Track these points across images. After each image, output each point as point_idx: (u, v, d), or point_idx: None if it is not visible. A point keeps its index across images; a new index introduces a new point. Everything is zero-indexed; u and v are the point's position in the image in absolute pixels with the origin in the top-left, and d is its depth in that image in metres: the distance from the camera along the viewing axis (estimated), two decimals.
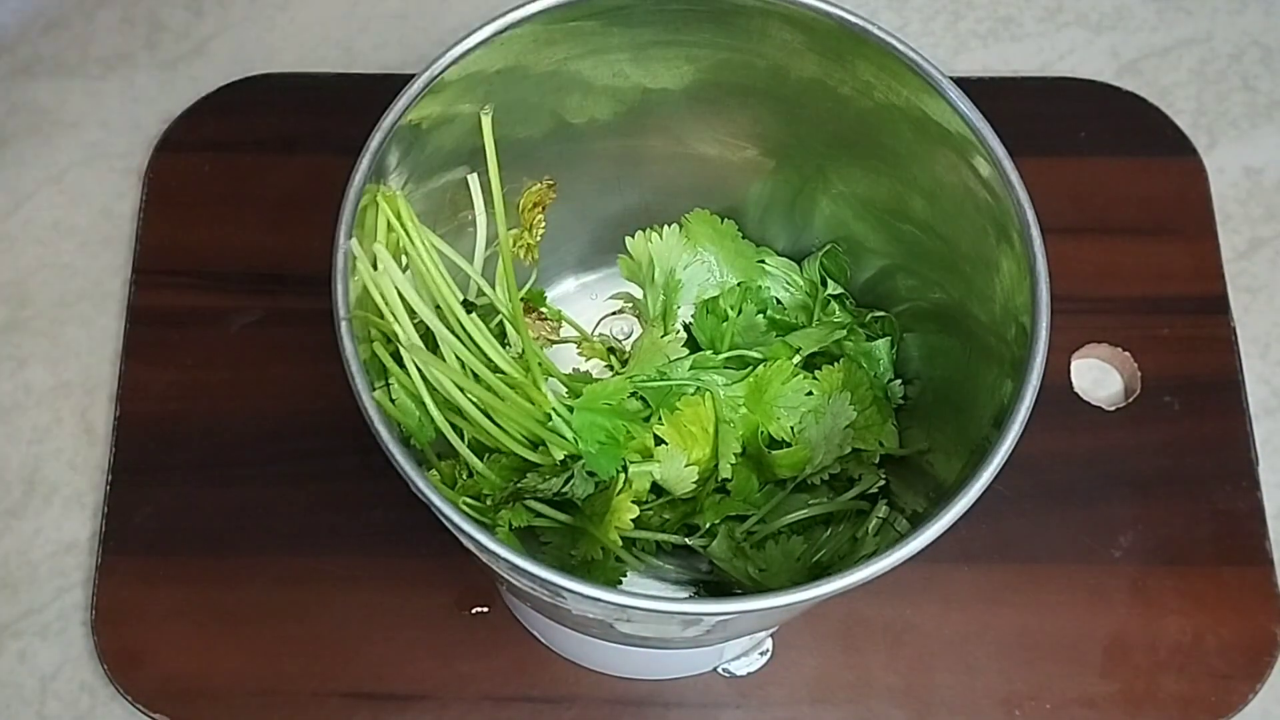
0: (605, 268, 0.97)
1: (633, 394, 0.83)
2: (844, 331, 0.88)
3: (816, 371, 0.86)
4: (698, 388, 0.85)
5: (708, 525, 0.84)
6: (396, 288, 0.69)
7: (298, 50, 1.19)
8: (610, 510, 0.78)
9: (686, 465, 0.83)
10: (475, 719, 0.95)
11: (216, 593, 0.98)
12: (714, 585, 0.89)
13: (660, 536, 0.85)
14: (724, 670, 0.95)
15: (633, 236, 0.90)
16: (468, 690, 0.96)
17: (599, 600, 0.59)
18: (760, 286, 0.91)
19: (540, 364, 0.78)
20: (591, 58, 0.77)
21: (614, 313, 0.98)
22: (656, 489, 0.84)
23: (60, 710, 0.98)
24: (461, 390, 0.72)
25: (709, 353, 0.88)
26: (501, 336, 0.82)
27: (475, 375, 0.75)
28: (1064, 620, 0.98)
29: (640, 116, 0.83)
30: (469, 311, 0.74)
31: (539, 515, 0.82)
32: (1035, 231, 0.66)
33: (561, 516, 0.82)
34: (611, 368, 0.92)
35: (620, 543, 0.79)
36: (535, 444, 0.79)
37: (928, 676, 0.97)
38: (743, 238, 0.92)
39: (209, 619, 0.98)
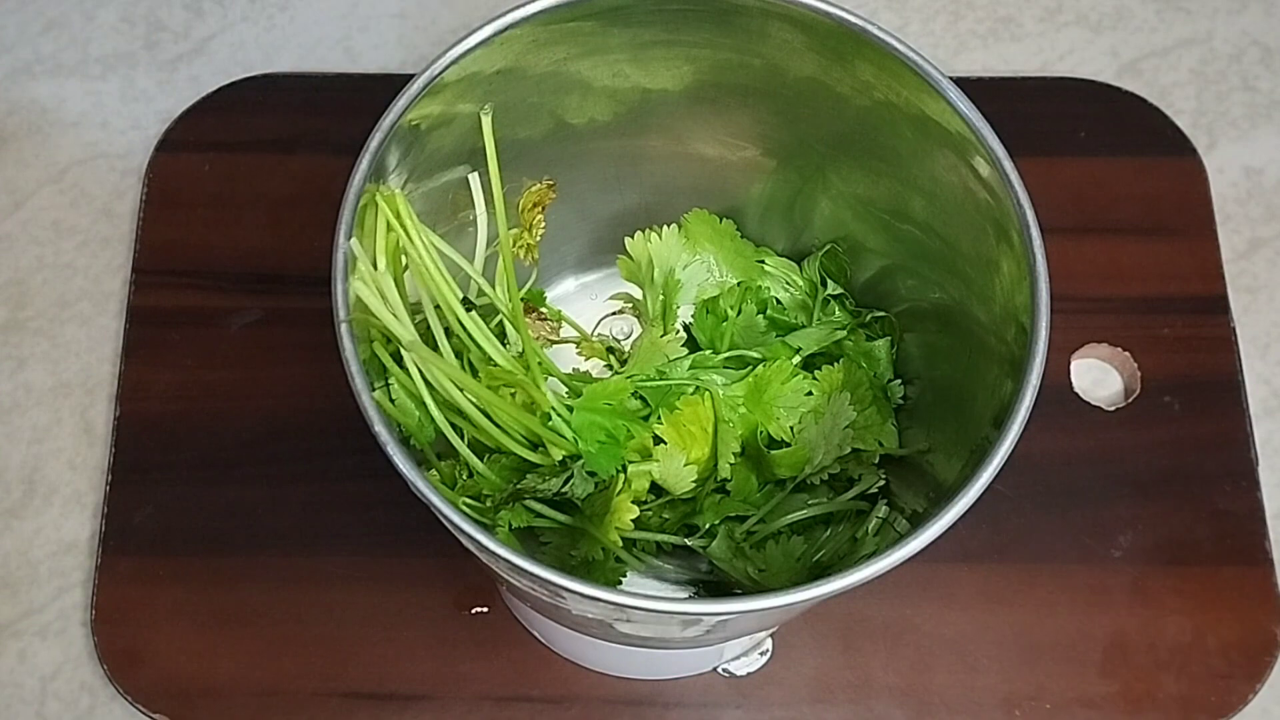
0: (605, 268, 0.97)
1: (634, 394, 0.83)
2: (844, 332, 0.88)
3: (816, 371, 0.86)
4: (697, 387, 0.85)
5: (707, 525, 0.84)
6: (396, 288, 0.69)
7: (298, 50, 1.20)
8: (610, 510, 0.78)
9: (685, 465, 0.83)
10: (475, 719, 0.95)
11: (216, 592, 0.98)
12: (714, 585, 0.89)
13: (660, 537, 0.85)
14: (724, 670, 0.95)
15: (632, 237, 0.90)
16: (467, 690, 0.96)
17: (599, 600, 0.59)
18: (760, 286, 0.91)
19: (540, 363, 0.78)
20: (591, 58, 0.77)
21: (614, 313, 0.98)
22: (656, 489, 0.84)
23: (60, 710, 0.98)
24: (461, 390, 0.72)
25: (708, 353, 0.88)
26: (501, 336, 0.82)
27: (475, 374, 0.75)
28: (1064, 620, 0.98)
29: (640, 116, 0.83)
30: (468, 310, 0.74)
31: (539, 515, 0.82)
32: (1035, 231, 0.66)
33: (561, 517, 0.82)
34: (611, 368, 0.92)
35: (620, 543, 0.79)
36: (535, 444, 0.79)
37: (927, 676, 0.97)
38: (742, 238, 0.92)
39: (209, 619, 0.98)
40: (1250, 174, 1.15)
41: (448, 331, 0.74)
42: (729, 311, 0.89)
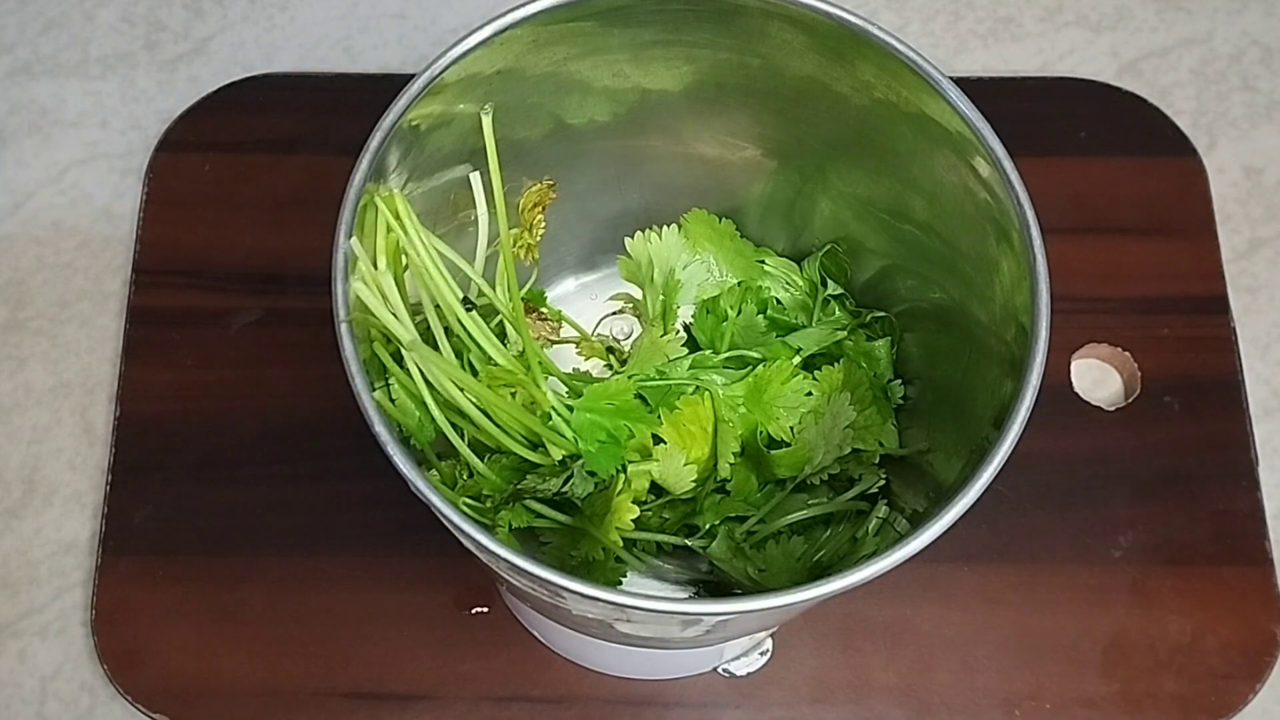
0: (605, 268, 0.97)
1: (635, 394, 0.83)
2: (844, 332, 0.88)
3: (816, 372, 0.86)
4: (697, 387, 0.85)
5: (707, 526, 0.84)
6: (396, 287, 0.69)
7: (298, 50, 1.20)
8: (611, 510, 0.78)
9: (685, 464, 0.83)
10: (475, 719, 0.95)
11: (216, 592, 0.98)
12: (714, 585, 0.89)
13: (660, 537, 0.85)
14: (724, 670, 0.95)
15: (632, 237, 0.90)
16: (467, 690, 0.96)
17: (599, 600, 0.59)
18: (760, 286, 0.91)
19: (540, 363, 0.78)
20: (591, 58, 0.77)
21: (614, 313, 0.98)
22: (656, 489, 0.84)
23: (60, 710, 0.98)
24: (461, 390, 0.72)
25: (708, 353, 0.88)
26: (501, 336, 0.82)
27: (475, 374, 0.75)
28: (1064, 620, 0.98)
29: (640, 116, 0.83)
30: (468, 310, 0.74)
31: (539, 516, 0.82)
32: (1035, 231, 0.66)
33: (561, 517, 0.82)
34: (611, 367, 0.92)
35: (620, 543, 0.79)
36: (535, 444, 0.79)
37: (927, 676, 0.97)
38: (742, 238, 0.92)
39: (209, 619, 0.98)
40: (1250, 174, 1.15)
41: (448, 331, 0.74)
42: (729, 311, 0.89)
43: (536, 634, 0.96)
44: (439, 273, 0.72)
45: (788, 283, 0.92)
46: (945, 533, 0.61)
